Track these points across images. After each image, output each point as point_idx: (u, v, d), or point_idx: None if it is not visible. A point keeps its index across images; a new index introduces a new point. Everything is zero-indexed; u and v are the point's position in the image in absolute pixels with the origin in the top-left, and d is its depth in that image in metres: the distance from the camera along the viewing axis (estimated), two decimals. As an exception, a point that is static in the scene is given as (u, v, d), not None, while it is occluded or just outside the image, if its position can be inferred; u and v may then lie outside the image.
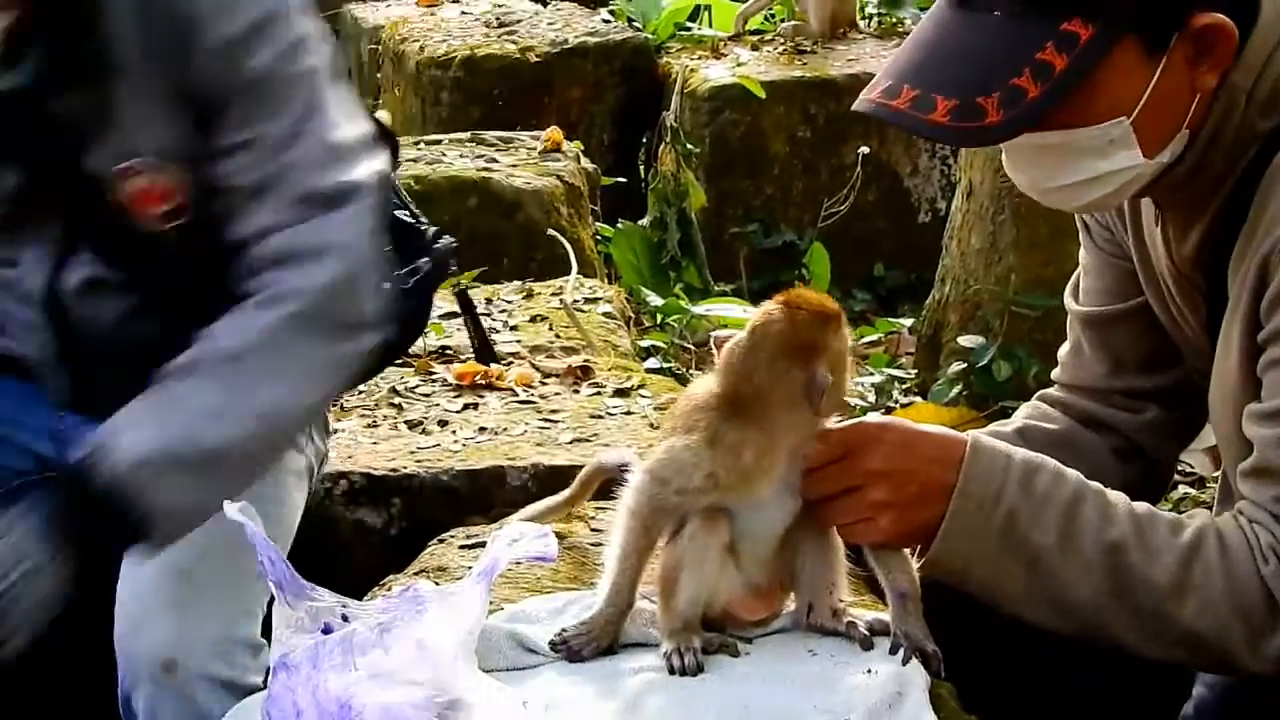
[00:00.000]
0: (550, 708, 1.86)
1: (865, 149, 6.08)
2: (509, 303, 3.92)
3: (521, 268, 4.63)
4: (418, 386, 3.36)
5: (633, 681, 1.89)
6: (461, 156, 5.12)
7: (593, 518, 2.42)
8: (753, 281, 5.87)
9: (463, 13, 7.19)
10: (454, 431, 3.11)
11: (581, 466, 2.42)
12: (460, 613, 1.80)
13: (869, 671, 1.87)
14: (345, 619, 1.81)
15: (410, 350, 3.52)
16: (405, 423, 3.17)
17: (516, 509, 2.46)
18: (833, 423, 1.94)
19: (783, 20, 7.02)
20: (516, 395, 3.29)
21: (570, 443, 3.03)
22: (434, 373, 3.42)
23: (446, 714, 1.76)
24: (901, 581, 1.91)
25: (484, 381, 3.35)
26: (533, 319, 3.79)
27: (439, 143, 5.32)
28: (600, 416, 3.16)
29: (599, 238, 5.41)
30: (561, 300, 3.88)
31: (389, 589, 2.23)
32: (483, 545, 2.25)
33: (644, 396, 3.27)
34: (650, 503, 1.90)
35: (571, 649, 1.95)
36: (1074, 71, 1.85)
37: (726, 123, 6.23)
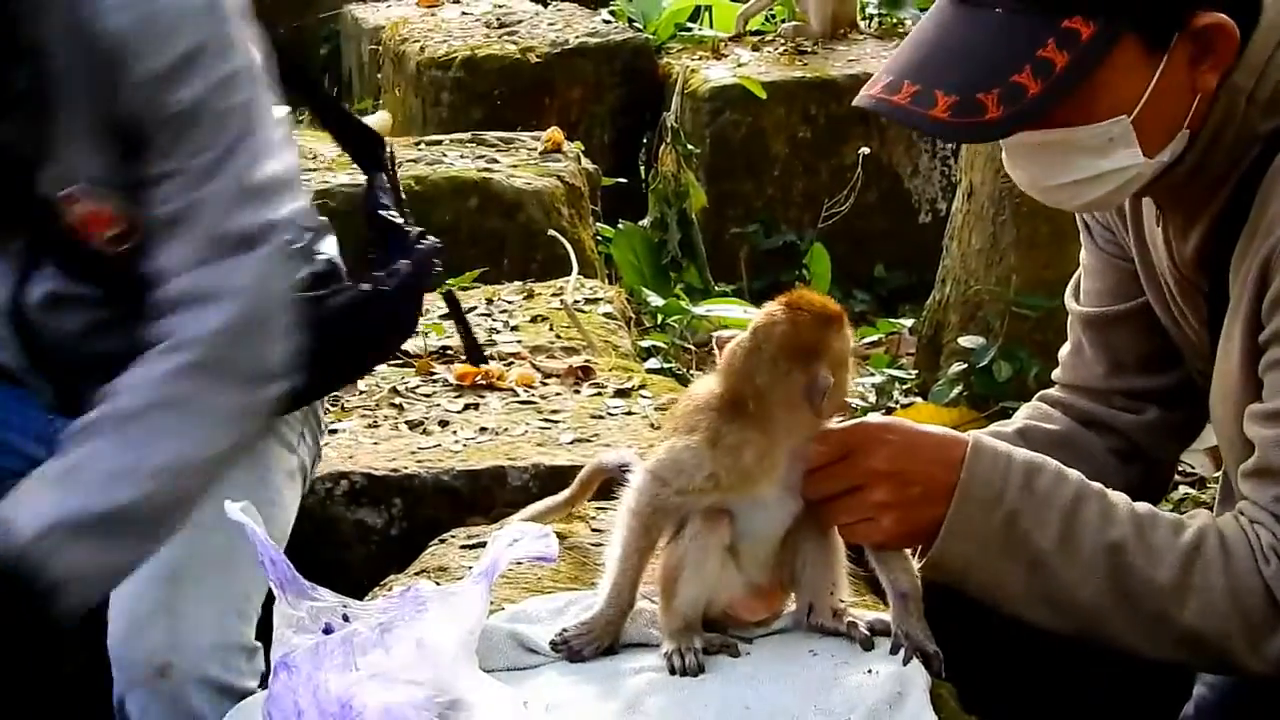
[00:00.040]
0: (551, 708, 1.86)
1: (866, 149, 6.08)
2: (510, 303, 3.92)
3: (522, 268, 4.63)
4: (418, 387, 3.36)
5: (633, 681, 1.89)
6: (462, 157, 5.12)
7: (593, 518, 2.42)
8: (753, 282, 5.87)
9: (463, 13, 7.19)
10: (455, 432, 3.11)
11: (582, 467, 2.42)
12: (461, 613, 1.80)
13: (870, 672, 1.87)
14: (346, 619, 1.81)
15: (411, 351, 3.53)
16: (406, 423, 3.17)
17: (517, 509, 2.46)
18: (834, 423, 1.94)
19: (783, 21, 7.02)
20: (517, 395, 3.29)
21: (571, 443, 3.03)
22: (435, 373, 3.42)
23: (447, 714, 1.76)
24: (903, 582, 1.92)
25: (485, 382, 3.35)
26: (533, 319, 3.79)
27: (440, 143, 5.32)
28: (601, 417, 3.16)
29: (599, 238, 5.41)
30: (562, 301, 3.88)
31: (390, 589, 2.24)
32: (483, 545, 2.25)
33: (645, 397, 3.27)
34: (651, 503, 1.90)
35: (572, 649, 1.96)
36: (1075, 69, 1.85)
37: (727, 123, 6.23)
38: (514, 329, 3.73)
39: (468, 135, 5.42)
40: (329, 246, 2.56)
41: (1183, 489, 4.08)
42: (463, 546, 2.44)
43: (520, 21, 6.94)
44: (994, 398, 4.44)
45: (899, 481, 1.92)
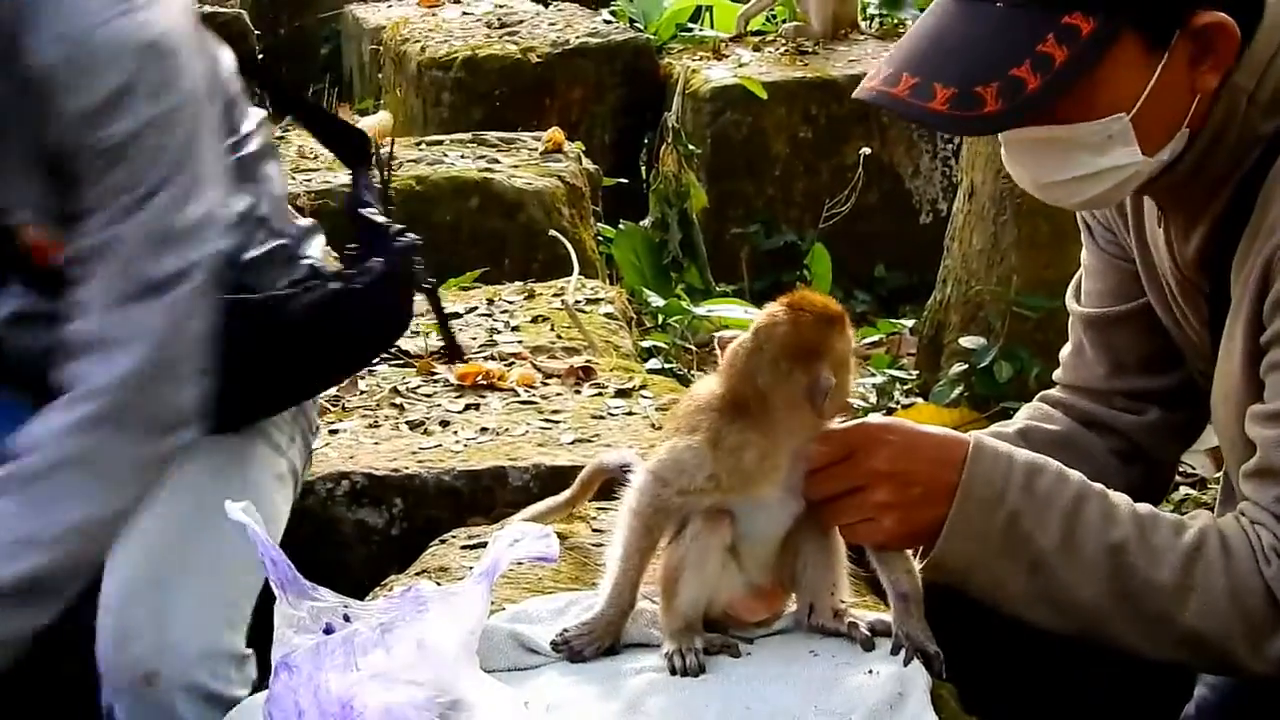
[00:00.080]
0: (552, 708, 1.86)
1: (867, 150, 6.08)
2: (510, 303, 3.92)
3: (523, 268, 4.63)
4: (419, 387, 3.36)
5: (634, 682, 1.89)
6: (463, 157, 5.12)
7: (594, 518, 2.42)
8: (754, 282, 5.87)
9: (464, 13, 7.19)
10: (455, 432, 3.11)
11: (583, 467, 2.42)
12: (462, 613, 1.80)
13: (870, 672, 1.87)
14: (347, 619, 1.81)
15: (412, 351, 3.53)
16: (407, 423, 3.17)
17: (518, 509, 2.46)
18: (835, 424, 1.94)
19: (784, 21, 7.03)
20: (518, 396, 3.29)
21: (572, 443, 3.03)
22: (436, 373, 3.42)
23: (448, 714, 1.76)
24: (903, 582, 1.91)
25: (485, 382, 3.35)
26: (534, 319, 3.78)
27: (441, 143, 5.32)
28: (602, 417, 3.16)
29: (600, 238, 5.41)
30: (563, 301, 3.88)
31: (390, 589, 2.23)
32: (484, 546, 2.24)
33: (645, 397, 3.27)
34: (652, 503, 1.90)
35: (573, 649, 1.96)
36: (1074, 64, 1.85)
37: (728, 123, 6.23)
38: (515, 329, 3.73)
39: (469, 135, 5.42)
40: (315, 249, 2.54)
41: (1183, 490, 4.07)
42: (463, 547, 2.44)
43: (521, 22, 6.94)
44: (995, 398, 4.44)
45: (900, 482, 1.92)
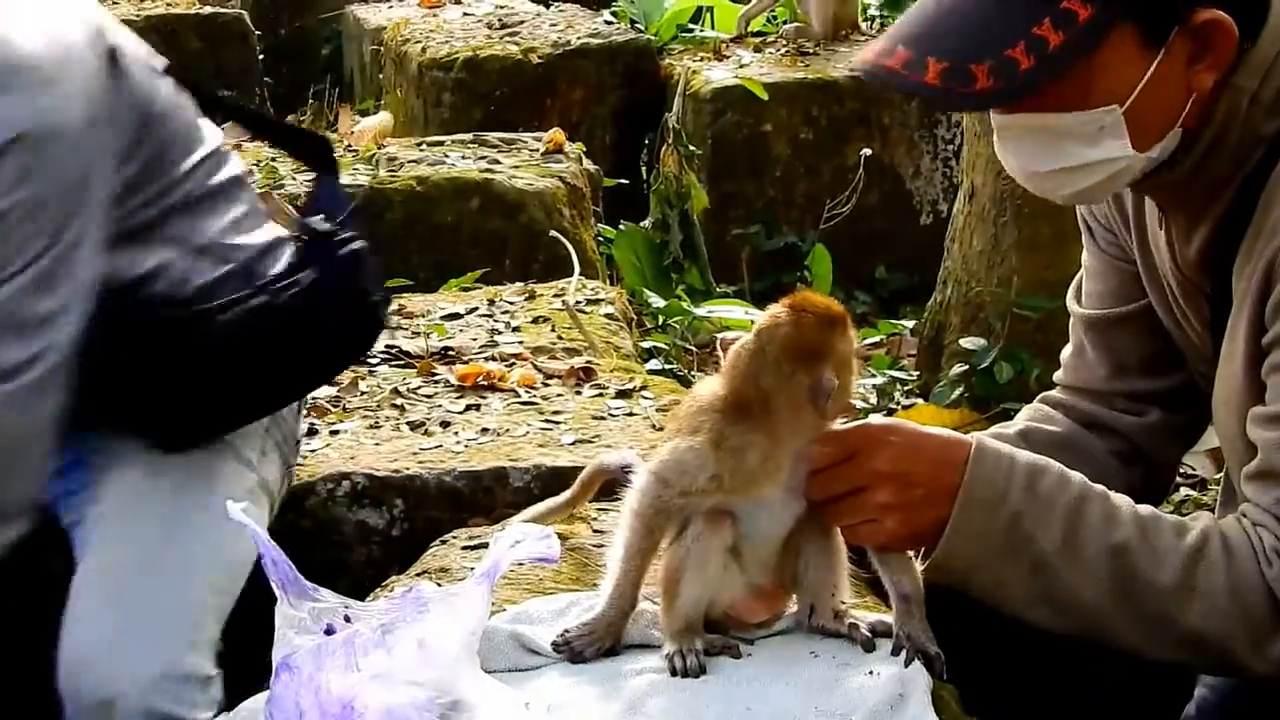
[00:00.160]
0: (552, 709, 1.86)
1: (867, 151, 6.08)
2: (511, 304, 3.91)
3: (524, 269, 4.62)
4: (420, 388, 3.35)
5: (635, 683, 1.89)
6: (464, 158, 5.11)
7: (595, 519, 2.42)
8: (755, 283, 5.87)
9: (465, 14, 7.18)
10: (456, 432, 3.11)
11: (583, 468, 2.42)
12: (463, 614, 1.80)
13: (871, 673, 1.87)
14: (348, 620, 1.81)
15: (412, 352, 3.53)
16: (407, 424, 3.17)
17: (518, 510, 2.46)
18: (837, 425, 1.94)
19: (785, 22, 7.02)
20: (519, 396, 3.29)
21: (572, 444, 3.02)
22: (436, 374, 3.42)
23: (449, 715, 1.76)
24: (905, 583, 1.91)
25: (486, 383, 3.34)
26: (535, 320, 3.78)
27: (441, 144, 5.32)
28: (602, 418, 3.16)
29: (601, 239, 5.41)
30: (564, 301, 3.88)
31: (391, 590, 2.23)
32: (485, 546, 2.25)
33: (646, 398, 3.26)
34: (654, 504, 1.90)
35: (574, 650, 1.96)
36: (1069, 49, 1.86)
37: (728, 124, 6.23)
38: (515, 330, 3.73)
39: (469, 136, 5.41)
40: (279, 261, 2.48)
41: (1184, 491, 4.07)
42: (464, 547, 2.44)
43: (522, 22, 6.94)
44: (995, 399, 4.44)
45: (902, 483, 1.92)
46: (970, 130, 4.80)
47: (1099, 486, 1.98)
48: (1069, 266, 2.45)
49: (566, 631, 1.97)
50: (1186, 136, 1.97)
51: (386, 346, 3.52)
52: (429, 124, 6.44)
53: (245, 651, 2.29)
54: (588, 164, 5.31)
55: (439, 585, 2.07)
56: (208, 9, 7.86)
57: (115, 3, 7.73)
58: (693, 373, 4.47)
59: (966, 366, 4.53)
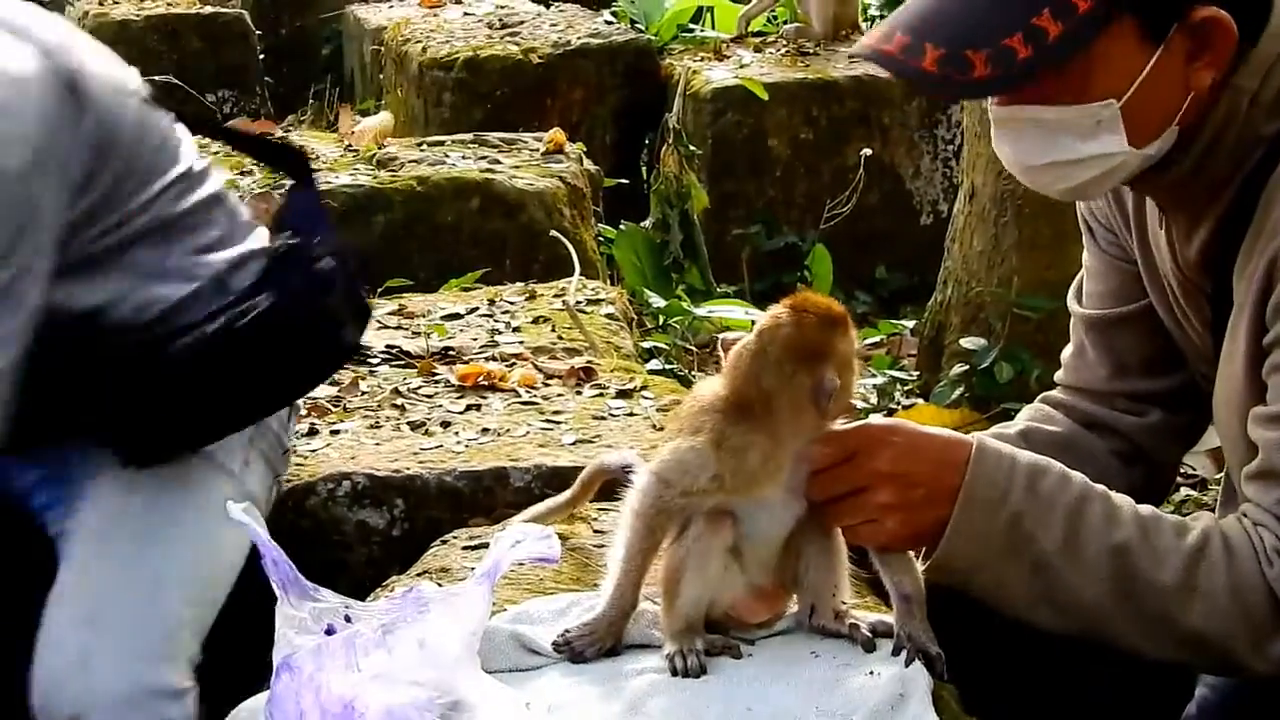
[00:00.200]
0: (553, 709, 1.86)
1: (868, 151, 6.09)
2: (512, 304, 3.92)
3: (524, 269, 4.62)
4: (420, 388, 3.35)
5: (635, 683, 1.89)
6: (464, 158, 5.11)
7: (595, 519, 2.42)
8: (755, 283, 5.87)
9: (465, 14, 7.18)
10: (457, 432, 3.11)
11: (584, 468, 2.42)
12: (463, 614, 1.80)
13: (872, 673, 1.87)
14: (348, 620, 1.82)
15: (413, 352, 3.53)
16: (408, 424, 3.17)
17: (519, 510, 2.46)
18: (838, 425, 1.94)
19: (785, 22, 7.03)
20: (519, 396, 3.29)
21: (573, 444, 3.02)
22: (437, 374, 3.42)
23: (449, 715, 1.76)
24: (905, 584, 1.91)
25: (487, 383, 3.34)
26: (535, 320, 3.78)
27: (442, 144, 5.32)
28: (603, 418, 3.16)
29: (601, 239, 5.41)
30: (564, 301, 3.88)
31: (392, 590, 2.23)
32: (485, 546, 2.25)
33: (646, 398, 3.26)
34: (655, 504, 1.90)
35: (574, 650, 1.96)
36: (1067, 41, 1.86)
37: (729, 124, 6.23)
38: (516, 330, 3.73)
39: (470, 136, 5.41)
40: (251, 274, 2.44)
41: (1184, 491, 4.07)
42: (465, 547, 2.44)
43: (522, 22, 6.94)
44: (995, 399, 4.44)
45: (903, 483, 1.92)
46: (970, 130, 4.80)
47: (1100, 487, 1.98)
48: (1069, 266, 2.45)
49: (567, 631, 1.97)
50: (1184, 136, 1.97)
51: (387, 346, 3.52)
52: (429, 124, 6.44)
53: (245, 652, 2.30)
54: (588, 164, 5.31)
55: (439, 585, 2.07)
56: (208, 9, 7.86)
57: (115, 3, 7.74)
58: (693, 373, 4.47)
59: (967, 366, 4.53)
